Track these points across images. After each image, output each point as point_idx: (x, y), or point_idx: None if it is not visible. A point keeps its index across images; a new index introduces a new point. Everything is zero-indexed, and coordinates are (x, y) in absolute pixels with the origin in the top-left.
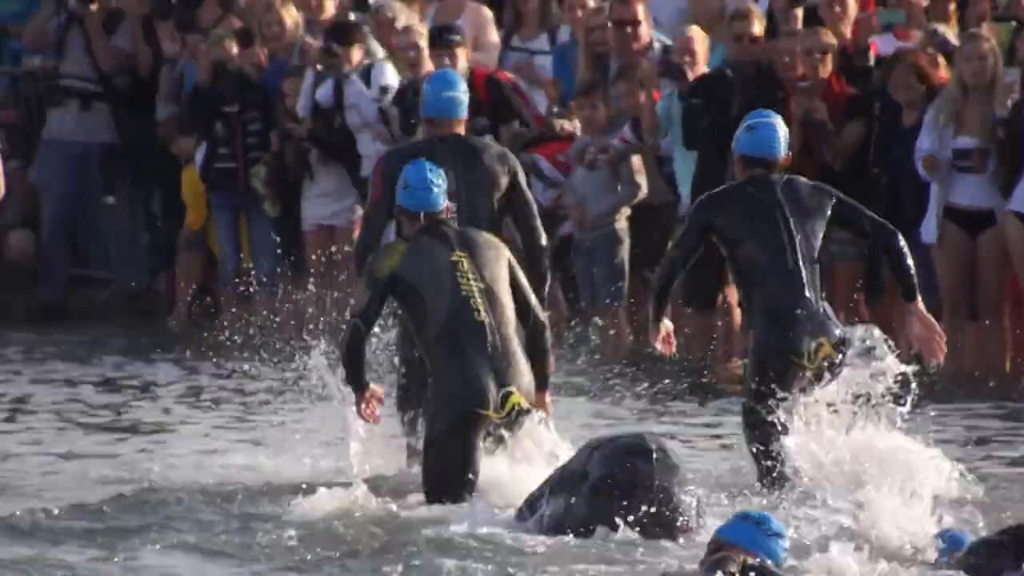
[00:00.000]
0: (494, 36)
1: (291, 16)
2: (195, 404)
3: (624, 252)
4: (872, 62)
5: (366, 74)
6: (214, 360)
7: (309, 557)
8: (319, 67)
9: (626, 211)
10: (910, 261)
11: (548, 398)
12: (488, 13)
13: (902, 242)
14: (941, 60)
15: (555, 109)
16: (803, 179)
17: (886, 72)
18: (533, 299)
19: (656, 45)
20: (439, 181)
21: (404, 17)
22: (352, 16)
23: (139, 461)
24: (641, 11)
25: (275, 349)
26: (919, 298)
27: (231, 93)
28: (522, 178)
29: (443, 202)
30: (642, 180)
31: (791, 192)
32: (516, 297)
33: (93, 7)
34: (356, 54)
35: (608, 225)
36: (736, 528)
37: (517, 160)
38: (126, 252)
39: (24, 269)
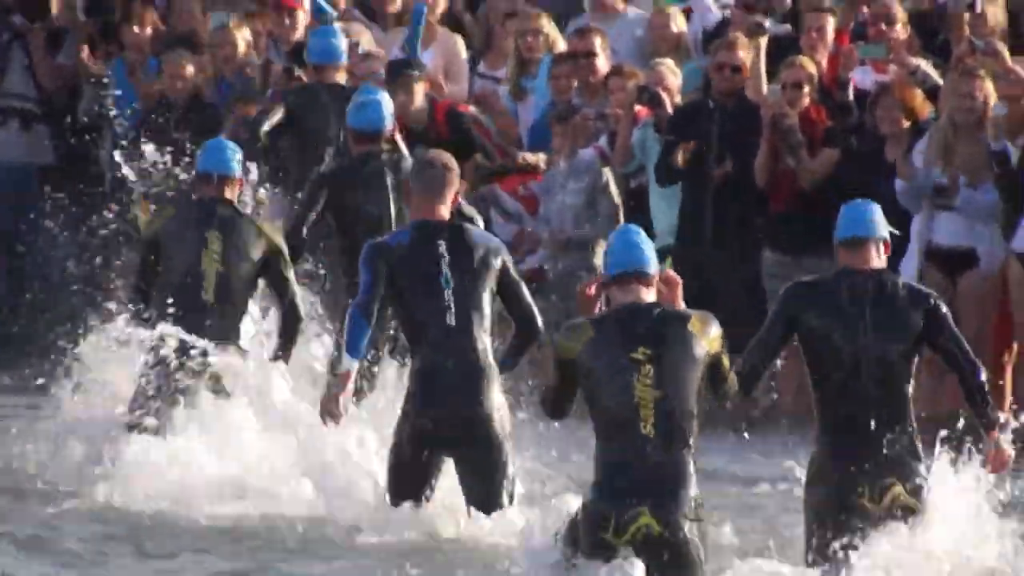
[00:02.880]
0: (464, 65)
1: (244, 38)
2: None
3: None
4: (851, 96)
5: None
6: None
7: None
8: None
9: (603, 244)
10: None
11: None
12: (460, 42)
13: None
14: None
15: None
16: None
17: (870, 103)
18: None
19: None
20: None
21: (366, 41)
22: None
23: None
24: (598, 43)
25: None
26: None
27: (181, 117)
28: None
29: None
30: (620, 210)
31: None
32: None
33: (36, 25)
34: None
35: (584, 260)
36: None
37: None
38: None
39: None
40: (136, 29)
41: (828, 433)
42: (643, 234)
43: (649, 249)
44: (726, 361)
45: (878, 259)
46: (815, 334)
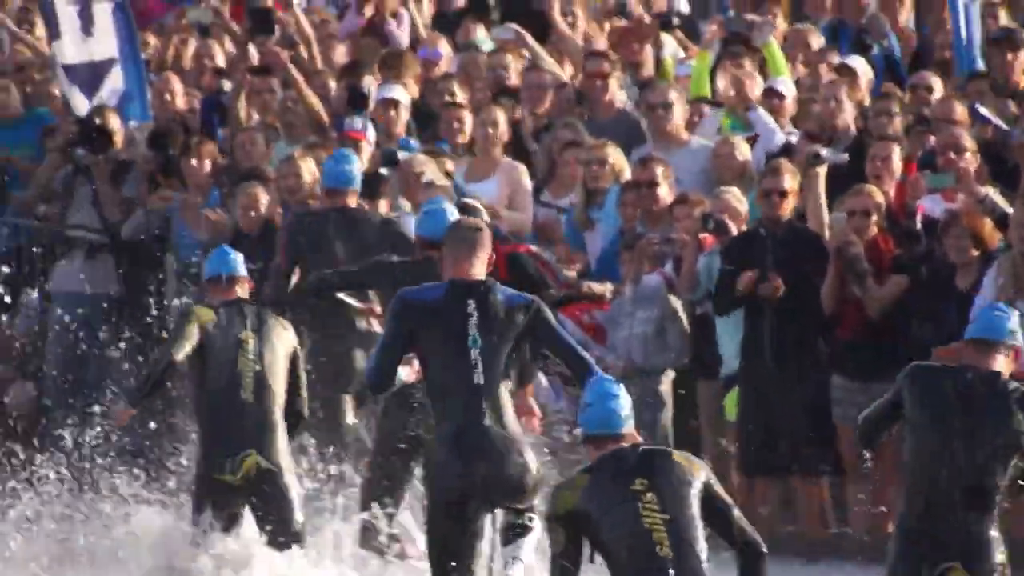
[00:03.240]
0: (529, 195)
1: (309, 169)
2: None
3: (667, 416)
4: (919, 224)
5: None
6: None
7: None
8: None
9: (671, 373)
10: None
11: None
12: (522, 170)
13: None
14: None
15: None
16: None
17: (939, 232)
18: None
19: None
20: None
21: (429, 172)
22: (383, 171)
23: None
24: (660, 172)
25: None
26: None
27: (254, 247)
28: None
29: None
30: (687, 340)
31: None
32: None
33: (100, 158)
34: (382, 207)
35: (651, 388)
36: None
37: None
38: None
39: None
40: (194, 162)
41: (907, 519)
42: (622, 392)
43: (626, 407)
44: (721, 491)
45: (1005, 364)
46: (909, 419)
